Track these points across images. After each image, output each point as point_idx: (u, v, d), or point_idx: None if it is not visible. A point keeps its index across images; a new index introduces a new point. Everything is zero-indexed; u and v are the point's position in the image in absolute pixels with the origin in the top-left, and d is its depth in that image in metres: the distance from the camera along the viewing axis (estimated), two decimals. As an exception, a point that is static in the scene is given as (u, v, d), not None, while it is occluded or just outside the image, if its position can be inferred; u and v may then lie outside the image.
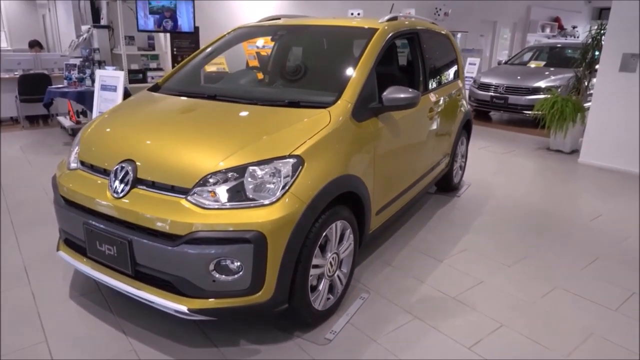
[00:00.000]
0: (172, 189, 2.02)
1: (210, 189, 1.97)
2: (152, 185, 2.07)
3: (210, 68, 8.00)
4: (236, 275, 1.93)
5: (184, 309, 1.97)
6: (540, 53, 9.91)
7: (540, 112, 6.31)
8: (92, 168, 2.32)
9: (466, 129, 4.47)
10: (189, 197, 1.97)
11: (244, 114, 2.41)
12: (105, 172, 2.24)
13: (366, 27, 2.94)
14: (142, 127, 2.41)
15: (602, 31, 6.13)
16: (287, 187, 1.98)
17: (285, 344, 2.21)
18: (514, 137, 7.45)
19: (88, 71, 6.15)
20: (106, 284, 2.21)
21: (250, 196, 1.96)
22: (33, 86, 7.09)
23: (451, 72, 4.09)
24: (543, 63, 9.30)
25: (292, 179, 2.01)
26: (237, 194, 1.96)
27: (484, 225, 3.72)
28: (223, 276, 1.93)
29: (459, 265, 3.05)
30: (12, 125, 7.39)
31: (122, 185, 2.09)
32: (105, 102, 3.33)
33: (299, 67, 2.99)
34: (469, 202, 4.24)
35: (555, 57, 9.52)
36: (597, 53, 6.36)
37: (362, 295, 2.63)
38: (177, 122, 2.43)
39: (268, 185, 1.98)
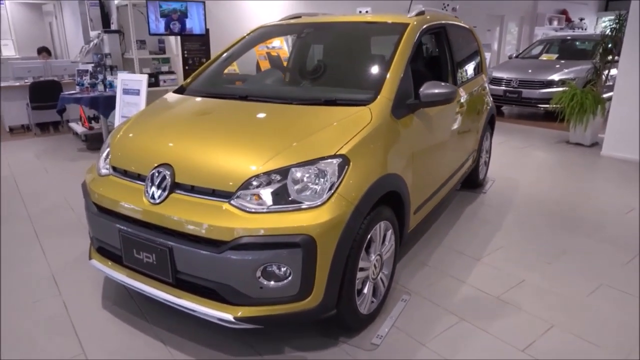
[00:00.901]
0: (213, 193, 1.95)
1: (254, 192, 1.90)
2: (191, 189, 2.00)
3: (220, 70, 7.93)
4: (285, 281, 1.86)
5: (229, 317, 1.89)
6: (550, 46, 9.80)
7: (559, 105, 6.21)
8: (126, 174, 2.25)
9: (490, 124, 4.38)
10: (232, 201, 1.90)
11: (281, 114, 2.34)
12: (139, 178, 2.17)
13: (396, 22, 2.86)
14: (177, 130, 2.34)
15: (620, 22, 6.03)
16: (334, 189, 1.91)
17: (331, 350, 2.13)
18: (530, 131, 7.34)
19: (100, 76, 6.10)
20: (144, 292, 2.14)
21: (296, 198, 1.89)
22: (44, 93, 7.05)
23: (476, 66, 4.00)
24: (555, 56, 9.19)
25: (339, 179, 1.93)
26: (282, 197, 1.89)
27: (515, 222, 3.63)
28: (271, 282, 1.86)
29: (496, 263, 2.96)
30: (23, 133, 7.35)
31: (160, 191, 2.02)
32: (128, 106, 3.26)
33: (330, 64, 2.91)
34: (496, 199, 4.15)
35: (566, 50, 9.41)
36: (609, 45, 6.27)
37: (404, 297, 2.55)
38: (212, 124, 2.36)
39: (314, 187, 1.91)
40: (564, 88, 7.37)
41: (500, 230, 3.48)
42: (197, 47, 7.19)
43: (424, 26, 2.89)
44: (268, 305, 1.90)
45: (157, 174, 2.06)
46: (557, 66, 8.54)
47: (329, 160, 1.95)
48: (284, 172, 1.92)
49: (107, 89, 6.05)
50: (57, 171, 5.08)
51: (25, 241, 3.29)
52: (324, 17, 3.26)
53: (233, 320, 1.89)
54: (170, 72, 6.71)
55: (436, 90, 2.48)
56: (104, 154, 2.52)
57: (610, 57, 6.42)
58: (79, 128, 6.72)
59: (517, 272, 2.85)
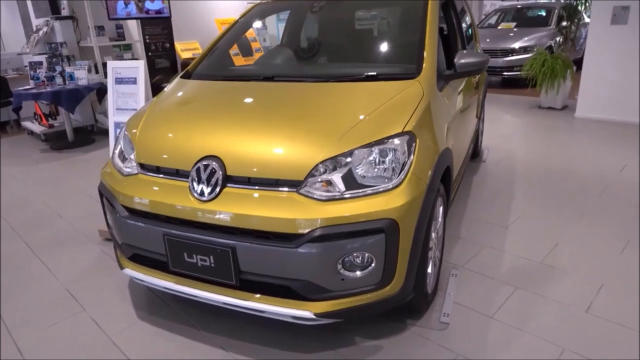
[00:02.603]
0: (276, 184, 1.79)
1: (322, 179, 1.76)
2: (248, 182, 1.83)
3: (185, 55, 7.48)
4: (367, 270, 1.75)
5: (308, 314, 1.77)
6: (505, 15, 10.09)
7: (530, 72, 6.39)
8: (159, 170, 2.02)
9: (484, 93, 4.42)
10: (301, 190, 1.74)
11: (326, 93, 2.17)
12: (178, 174, 1.96)
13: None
14: (215, 118, 2.12)
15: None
16: (406, 168, 1.80)
17: (403, 334, 2.07)
18: (499, 98, 7.54)
19: (58, 68, 5.54)
20: (198, 299, 1.96)
21: (368, 182, 1.77)
22: (-12, 91, 6.35)
23: (472, 35, 3.99)
24: (513, 24, 9.45)
25: (410, 158, 1.82)
26: (353, 181, 1.76)
27: (525, 189, 3.70)
28: (354, 273, 1.74)
29: (525, 230, 3.01)
30: (-32, 137, 6.61)
31: (210, 187, 1.83)
32: (123, 97, 2.94)
33: (353, 39, 2.76)
34: (498, 167, 4.22)
35: (521, 18, 9.72)
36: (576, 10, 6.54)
37: (452, 272, 2.52)
38: (253, 109, 2.16)
39: (385, 168, 1.79)
40: (526, 55, 7.66)
41: (515, 198, 3.53)
42: (159, 31, 6.70)
43: (441, -6, 2.81)
44: (349, 297, 1.79)
45: (203, 168, 1.86)
46: (516, 35, 8.80)
47: (397, 139, 1.84)
48: (351, 154, 1.78)
49: (67, 82, 5.52)
50: (25, 176, 4.59)
51: (21, 258, 2.94)
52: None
53: (313, 316, 1.76)
54: (135, 60, 6.22)
55: (471, 60, 2.40)
56: (117, 151, 2.26)
57: (569, 23, 6.72)
58: (36, 127, 6.13)
59: (548, 236, 2.90)
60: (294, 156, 1.79)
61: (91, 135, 6.19)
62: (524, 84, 6.65)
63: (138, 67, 2.90)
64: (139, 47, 6.48)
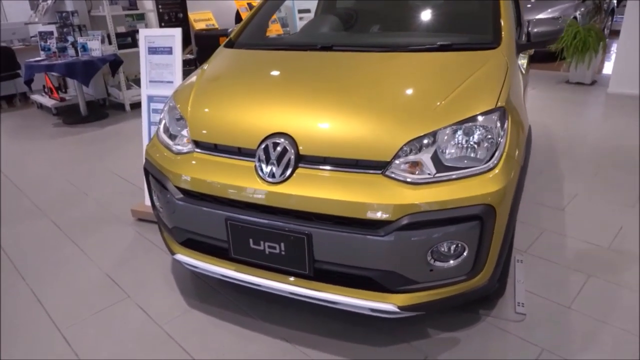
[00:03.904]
0: (356, 165, 1.62)
1: (410, 160, 1.58)
2: (323, 162, 1.65)
3: (198, 25, 7.18)
4: (458, 259, 1.60)
5: (391, 307, 1.62)
6: (526, -14, 9.72)
7: (560, 45, 6.13)
8: (217, 149, 1.84)
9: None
10: (387, 172, 1.57)
11: (400, 63, 1.97)
12: (240, 152, 1.78)
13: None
14: (281, 90, 1.92)
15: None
16: (501, 148, 1.63)
17: (479, 326, 1.94)
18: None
19: (70, 39, 5.27)
20: (263, 288, 1.81)
21: (461, 163, 1.60)
22: (-6, 63, 6.06)
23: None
24: (535, -5, 9.10)
25: (503, 137, 1.65)
26: (444, 162, 1.59)
27: (572, 168, 3.53)
28: (445, 263, 1.59)
29: (582, 211, 2.85)
30: (-25, 110, 6.37)
31: (281, 168, 1.65)
32: (157, 68, 2.72)
33: (420, 4, 2.53)
34: (538, 145, 4.04)
35: (543, -11, 9.36)
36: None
37: (517, 258, 2.38)
38: (322, 80, 1.95)
39: (480, 148, 1.62)
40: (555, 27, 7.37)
41: (564, 178, 3.37)
42: (173, 0, 6.41)
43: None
44: (435, 288, 1.64)
45: (272, 147, 1.68)
46: (539, 6, 8.44)
47: (489, 116, 1.65)
48: (441, 133, 1.61)
49: (80, 53, 5.25)
50: (42, 152, 4.40)
51: (52, 240, 2.78)
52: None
53: (397, 310, 1.62)
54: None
55: (547, 29, 2.22)
56: (162, 127, 2.08)
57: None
58: (46, 100, 5.89)
59: (609, 218, 2.76)
60: (379, 134, 1.61)
61: (104, 109, 5.97)
62: (546, 57, 6.39)
63: (174, 36, 2.67)
64: (152, 17, 6.18)
